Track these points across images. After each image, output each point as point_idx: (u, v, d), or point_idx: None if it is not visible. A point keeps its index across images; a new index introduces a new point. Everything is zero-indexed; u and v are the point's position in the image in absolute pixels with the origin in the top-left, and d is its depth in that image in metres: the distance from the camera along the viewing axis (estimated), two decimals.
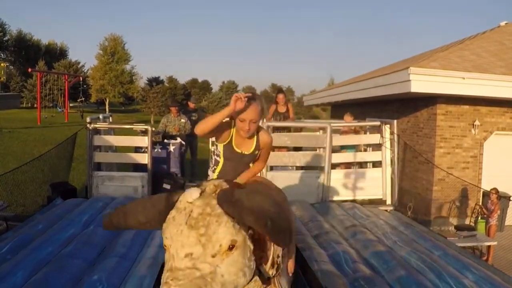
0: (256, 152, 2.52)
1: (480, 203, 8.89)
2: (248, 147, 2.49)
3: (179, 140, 7.22)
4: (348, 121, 7.86)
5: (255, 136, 2.51)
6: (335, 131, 6.86)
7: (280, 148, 6.45)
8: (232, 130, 2.45)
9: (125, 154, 6.98)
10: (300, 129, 7.86)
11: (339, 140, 7.08)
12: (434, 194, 9.24)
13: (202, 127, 2.27)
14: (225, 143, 2.46)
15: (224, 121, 2.38)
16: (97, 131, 6.46)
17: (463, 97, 8.92)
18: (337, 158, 6.68)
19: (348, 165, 7.09)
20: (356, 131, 7.46)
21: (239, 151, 2.48)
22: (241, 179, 2.45)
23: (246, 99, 2.22)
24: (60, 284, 3.19)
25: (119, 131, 8.34)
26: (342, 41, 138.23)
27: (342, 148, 7.35)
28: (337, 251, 4.13)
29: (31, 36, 55.15)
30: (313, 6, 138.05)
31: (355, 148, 7.29)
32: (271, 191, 2.47)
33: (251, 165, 2.59)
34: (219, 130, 2.39)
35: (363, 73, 16.47)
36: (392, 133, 6.57)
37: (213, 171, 2.58)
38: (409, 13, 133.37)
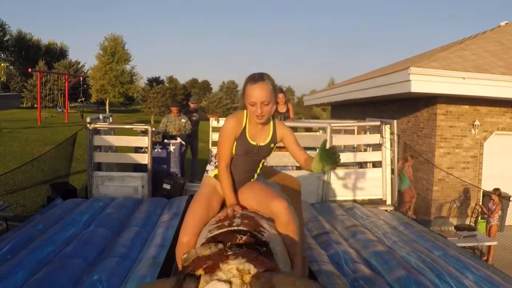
0: (272, 145, 2.31)
1: (481, 203, 8.89)
2: (263, 138, 2.29)
3: (179, 140, 7.21)
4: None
5: (272, 126, 2.31)
6: (335, 131, 6.85)
7: (280, 148, 6.44)
8: (244, 120, 2.25)
9: (125, 154, 6.97)
10: (310, 129, 7.86)
11: (339, 140, 7.09)
12: (434, 194, 9.24)
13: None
14: (237, 136, 2.24)
15: (235, 114, 2.28)
16: (97, 131, 6.45)
17: (463, 97, 8.92)
18: None
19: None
20: None
21: (254, 143, 2.26)
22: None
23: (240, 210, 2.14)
24: (60, 284, 3.19)
25: (119, 131, 8.33)
26: (343, 42, 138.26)
27: None
28: (337, 251, 4.13)
29: (31, 36, 55.23)
30: (313, 7, 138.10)
31: None
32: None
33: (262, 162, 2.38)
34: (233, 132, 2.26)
35: (363, 73, 16.47)
36: (392, 133, 6.56)
37: (216, 166, 2.35)
38: (409, 13, 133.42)
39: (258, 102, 2.12)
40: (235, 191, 2.29)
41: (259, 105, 2.13)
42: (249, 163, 2.32)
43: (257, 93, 2.12)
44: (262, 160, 2.39)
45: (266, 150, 2.31)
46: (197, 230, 2.10)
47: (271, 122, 2.31)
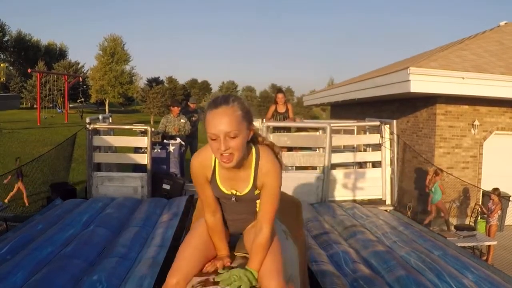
0: (256, 191, 1.67)
1: (480, 203, 8.89)
2: (242, 184, 1.67)
3: (178, 140, 7.21)
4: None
5: (253, 164, 1.65)
6: (334, 131, 6.86)
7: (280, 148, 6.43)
8: (212, 158, 1.66)
9: (125, 155, 6.97)
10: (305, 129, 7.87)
11: (339, 140, 7.09)
12: None
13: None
14: (208, 179, 1.68)
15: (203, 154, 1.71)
16: (96, 132, 6.45)
17: (463, 97, 8.93)
18: (337, 158, 6.69)
19: None
20: None
21: (227, 192, 1.68)
22: (254, 266, 1.66)
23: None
24: (60, 284, 3.19)
25: (119, 131, 8.33)
26: (342, 42, 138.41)
27: None
28: (336, 251, 4.13)
29: (30, 37, 55.19)
30: (313, 7, 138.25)
31: None
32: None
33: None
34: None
35: (363, 73, 16.48)
36: (391, 133, 6.57)
37: None
38: (409, 13, 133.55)
39: (220, 134, 1.50)
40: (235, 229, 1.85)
41: (222, 138, 1.50)
42: (238, 207, 1.76)
43: (218, 121, 1.49)
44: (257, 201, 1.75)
45: (251, 199, 1.70)
46: (190, 272, 1.69)
47: (253, 157, 1.66)
